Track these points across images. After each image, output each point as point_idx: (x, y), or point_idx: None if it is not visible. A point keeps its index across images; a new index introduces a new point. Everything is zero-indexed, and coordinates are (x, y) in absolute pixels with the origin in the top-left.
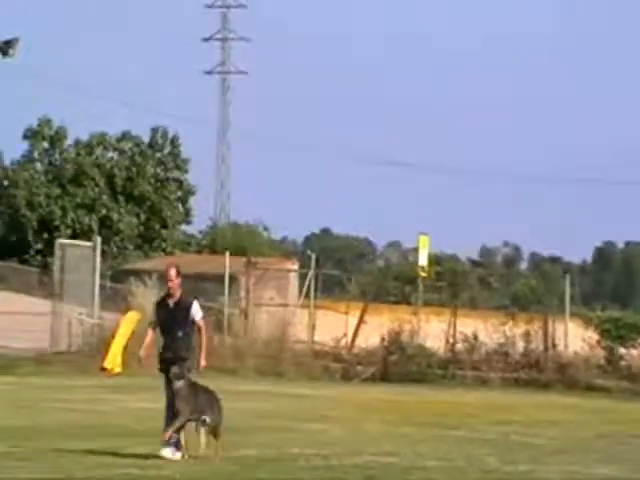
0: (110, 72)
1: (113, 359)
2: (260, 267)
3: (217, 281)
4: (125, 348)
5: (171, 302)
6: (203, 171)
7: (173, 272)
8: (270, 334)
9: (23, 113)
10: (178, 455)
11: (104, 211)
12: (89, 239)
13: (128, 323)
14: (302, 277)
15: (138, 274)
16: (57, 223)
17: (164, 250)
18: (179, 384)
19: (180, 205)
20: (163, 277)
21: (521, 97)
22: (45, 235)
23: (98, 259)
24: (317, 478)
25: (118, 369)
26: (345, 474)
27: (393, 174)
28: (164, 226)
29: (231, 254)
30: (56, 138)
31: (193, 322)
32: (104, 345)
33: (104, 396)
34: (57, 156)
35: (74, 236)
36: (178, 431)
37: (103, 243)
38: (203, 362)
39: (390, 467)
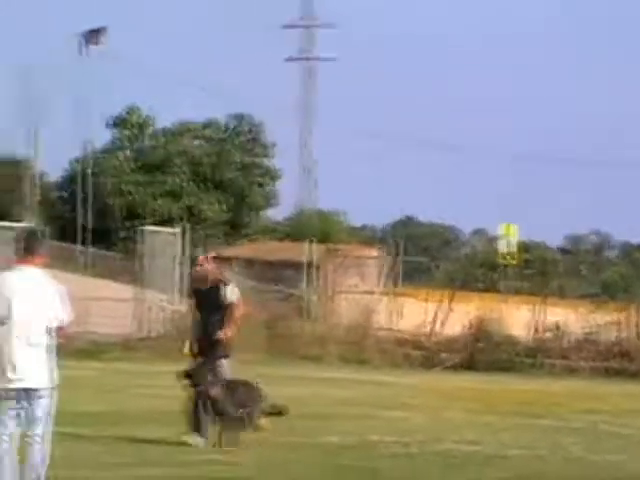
0: (195, 60)
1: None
2: (341, 254)
3: (299, 268)
4: None
5: (205, 287)
6: (288, 157)
7: (204, 256)
8: (353, 321)
9: (111, 101)
10: (200, 441)
11: (190, 198)
12: (174, 226)
13: None
14: (385, 264)
15: (223, 261)
16: (143, 211)
17: (248, 236)
18: (214, 391)
19: (265, 191)
20: (246, 264)
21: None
22: (131, 222)
23: (180, 246)
24: (398, 466)
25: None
26: (426, 462)
27: (478, 161)
28: (251, 212)
29: (313, 241)
30: (143, 126)
31: (228, 306)
32: (186, 331)
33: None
34: (143, 144)
35: (160, 223)
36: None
37: (189, 230)
38: (222, 333)
39: (472, 455)
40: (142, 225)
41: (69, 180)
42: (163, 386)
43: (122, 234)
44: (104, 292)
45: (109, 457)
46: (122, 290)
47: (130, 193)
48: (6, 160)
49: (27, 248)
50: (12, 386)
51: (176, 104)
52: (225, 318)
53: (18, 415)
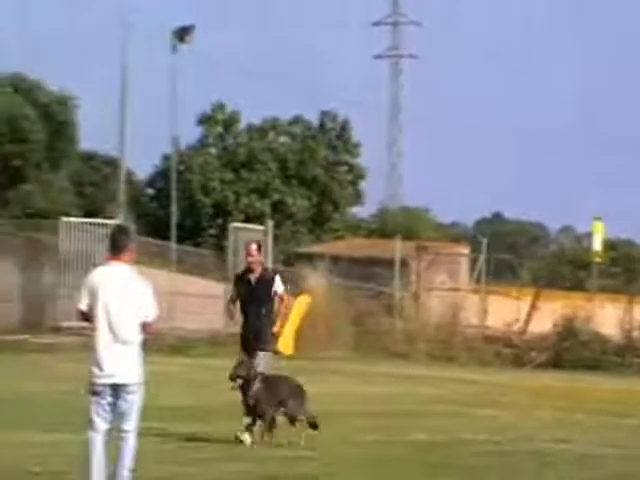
0: (281, 57)
1: (285, 342)
2: (431, 251)
3: (387, 265)
4: (297, 331)
5: (252, 278)
6: (374, 155)
7: (254, 247)
8: (441, 318)
9: (198, 98)
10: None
11: (277, 195)
12: (262, 223)
13: (299, 307)
14: (473, 261)
15: (309, 257)
16: (230, 207)
17: (336, 232)
18: (254, 388)
19: (351, 188)
20: (333, 261)
21: None
22: (219, 219)
23: (269, 243)
24: (490, 464)
25: (290, 352)
26: (519, 460)
27: (565, 156)
28: (335, 209)
29: (401, 238)
30: (229, 123)
31: (274, 296)
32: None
33: None
34: (230, 141)
35: (247, 220)
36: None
37: (276, 227)
38: (275, 328)
39: (564, 454)
40: (230, 222)
41: (158, 177)
42: None
43: (211, 231)
44: (193, 289)
45: (197, 452)
46: (211, 286)
47: (217, 190)
48: (98, 157)
49: (117, 245)
50: (102, 381)
51: (263, 101)
52: (272, 311)
53: (108, 410)
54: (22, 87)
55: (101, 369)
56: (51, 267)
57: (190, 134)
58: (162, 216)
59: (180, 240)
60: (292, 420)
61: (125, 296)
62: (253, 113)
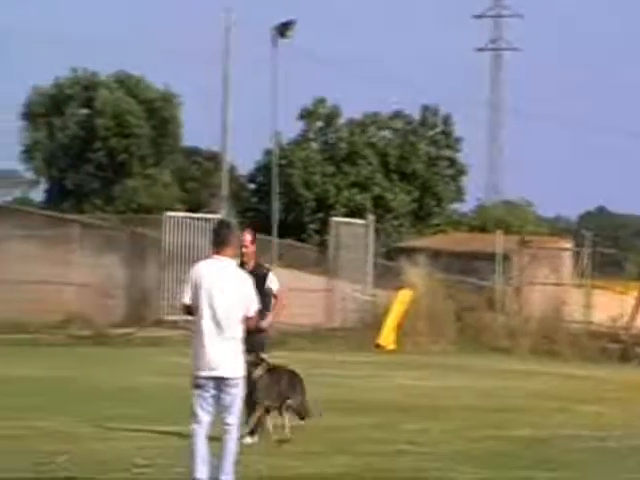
0: (381, 51)
1: (387, 336)
2: (533, 245)
3: (488, 260)
4: (398, 326)
5: (245, 271)
6: (474, 149)
7: (248, 236)
8: (544, 313)
9: (299, 93)
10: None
11: (378, 189)
12: (363, 217)
13: (401, 301)
14: (576, 256)
15: (410, 252)
16: (332, 202)
17: (437, 227)
18: (257, 373)
19: (452, 183)
20: (434, 255)
21: None
22: (320, 214)
23: (371, 237)
24: (594, 460)
25: (392, 346)
26: (623, 457)
27: None
28: (437, 204)
29: (502, 232)
30: (330, 117)
31: (269, 294)
32: (377, 322)
33: (377, 372)
34: (331, 136)
35: (349, 214)
36: (258, 418)
37: (377, 221)
38: (265, 322)
39: None
40: (332, 216)
41: (260, 172)
42: (352, 376)
43: (312, 225)
44: (295, 283)
45: (300, 446)
46: (313, 281)
47: (319, 184)
48: (200, 153)
49: (220, 239)
50: (205, 374)
51: (364, 96)
52: (265, 309)
53: (211, 403)
54: (127, 83)
55: (204, 362)
56: (155, 261)
57: (291, 129)
58: (264, 211)
59: (282, 235)
60: (302, 417)
61: (228, 290)
62: (354, 108)
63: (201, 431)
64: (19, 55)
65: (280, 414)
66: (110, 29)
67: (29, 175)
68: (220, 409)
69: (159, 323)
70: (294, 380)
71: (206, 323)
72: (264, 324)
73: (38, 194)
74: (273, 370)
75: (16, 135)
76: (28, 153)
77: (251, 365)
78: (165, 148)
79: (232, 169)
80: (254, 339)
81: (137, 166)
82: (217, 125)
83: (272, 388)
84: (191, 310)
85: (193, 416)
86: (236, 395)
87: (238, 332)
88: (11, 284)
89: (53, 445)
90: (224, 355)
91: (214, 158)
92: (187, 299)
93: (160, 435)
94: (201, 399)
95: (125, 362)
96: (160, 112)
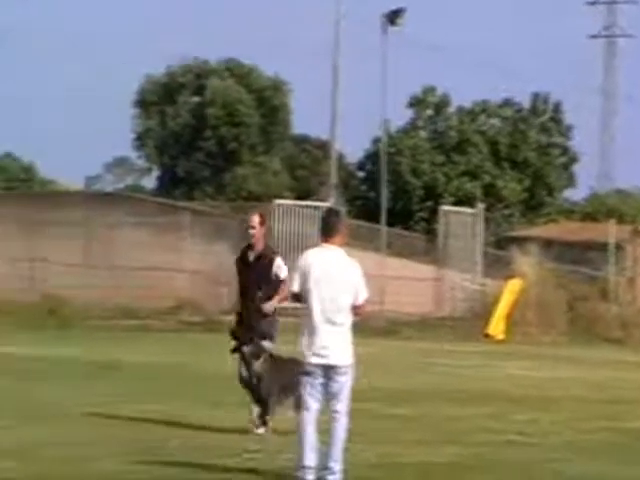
0: (491, 38)
1: (496, 326)
2: None
3: (601, 250)
4: (508, 315)
5: (252, 255)
6: (586, 137)
7: (256, 218)
8: None
9: (408, 81)
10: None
11: (488, 178)
12: (472, 206)
13: (511, 291)
14: None
15: (521, 241)
16: (441, 190)
17: (548, 215)
18: (258, 365)
19: (564, 172)
20: (545, 245)
21: None
22: (429, 202)
23: (481, 226)
24: None
25: (501, 336)
26: None
27: None
28: (548, 194)
29: (615, 222)
30: (440, 106)
31: (276, 281)
32: (486, 312)
33: (486, 362)
34: (441, 124)
35: (458, 203)
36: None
37: (487, 210)
38: (268, 305)
39: None
40: (441, 205)
41: (368, 160)
42: (461, 365)
43: (421, 214)
44: (403, 271)
45: (407, 434)
46: (421, 270)
47: (428, 173)
48: (309, 141)
49: (329, 228)
50: (314, 362)
51: (473, 84)
52: (272, 296)
53: (319, 390)
54: (237, 72)
55: (313, 350)
56: None
57: (400, 117)
58: (372, 199)
59: (390, 223)
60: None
61: (336, 278)
62: (463, 96)
63: (310, 418)
64: (132, 43)
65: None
66: (222, 18)
67: (141, 163)
68: (328, 396)
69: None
70: (298, 370)
71: (315, 311)
72: (267, 308)
73: (150, 181)
74: (275, 360)
75: (129, 123)
76: (140, 141)
77: (252, 356)
78: (275, 136)
79: (341, 157)
80: (260, 325)
81: (247, 154)
82: (326, 113)
83: (276, 379)
84: (300, 298)
85: (302, 403)
86: (345, 383)
87: (347, 320)
88: (123, 270)
89: (165, 430)
90: (333, 343)
91: (323, 146)
92: (296, 287)
93: (271, 420)
94: (310, 386)
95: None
96: (270, 100)
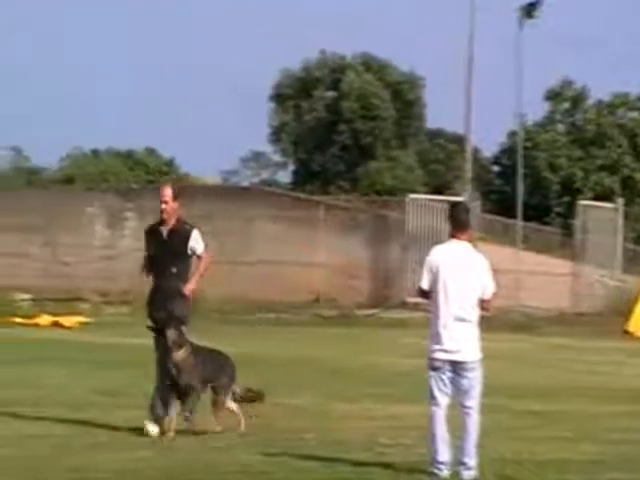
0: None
1: (636, 323)
2: None
3: None
4: None
5: (164, 230)
6: None
7: (168, 192)
8: None
9: (544, 74)
10: (155, 430)
11: (626, 171)
12: (610, 201)
13: None
14: None
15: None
16: (578, 185)
17: None
18: (181, 354)
19: None
20: None
21: None
22: (566, 197)
23: (621, 221)
24: None
25: None
26: None
27: None
28: None
29: None
30: (577, 99)
31: (192, 256)
32: (626, 308)
33: (626, 359)
34: (578, 117)
35: (596, 198)
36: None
37: (626, 204)
38: (189, 285)
39: None
40: (578, 200)
41: (504, 154)
42: (600, 362)
43: (557, 209)
44: (539, 266)
45: (542, 430)
46: (558, 265)
47: (565, 167)
48: (444, 135)
49: (459, 223)
50: (442, 357)
51: (611, 77)
52: (186, 272)
53: (448, 385)
54: (372, 66)
55: (441, 345)
56: (398, 244)
57: (536, 111)
58: (508, 193)
59: (526, 218)
60: (216, 402)
61: (464, 274)
62: (601, 89)
63: (440, 413)
64: (269, 37)
65: (215, 405)
66: (357, 12)
67: (277, 157)
68: (458, 392)
69: (403, 304)
70: (221, 362)
71: (443, 307)
72: (187, 289)
73: (285, 175)
74: (198, 350)
75: (265, 117)
76: (276, 135)
77: (174, 345)
78: (409, 130)
79: (476, 151)
80: (175, 308)
81: (381, 148)
82: (461, 107)
83: (199, 371)
84: (427, 294)
85: (431, 398)
86: (474, 378)
87: (475, 315)
88: (259, 264)
89: (301, 422)
90: (461, 339)
91: (458, 140)
92: (425, 284)
93: (403, 415)
94: (438, 381)
95: (369, 342)
96: (405, 94)
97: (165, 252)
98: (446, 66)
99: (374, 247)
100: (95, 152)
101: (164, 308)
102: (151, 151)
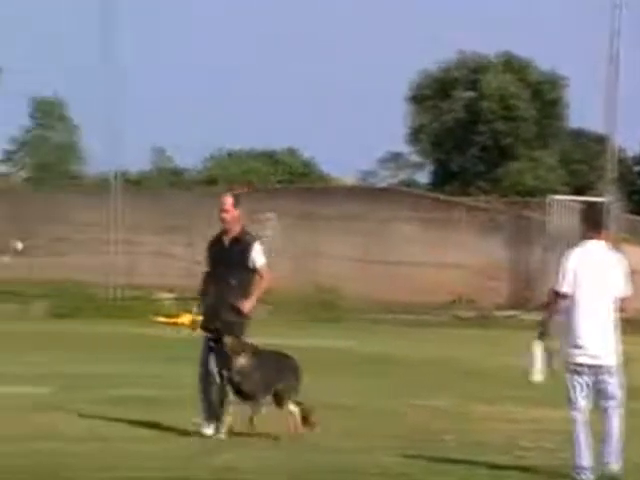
0: None
1: None
2: None
3: None
4: None
5: (226, 240)
6: None
7: (229, 200)
8: None
9: None
10: (210, 431)
11: None
12: None
13: None
14: None
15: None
16: None
17: None
18: (241, 361)
19: None
20: None
21: None
22: None
23: None
24: None
25: None
26: None
27: None
28: None
29: None
30: None
31: (253, 269)
32: None
33: None
34: None
35: None
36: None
37: None
38: (247, 303)
39: None
40: None
41: None
42: None
43: None
44: None
45: None
46: None
47: None
48: (586, 135)
49: (595, 223)
50: (581, 361)
51: None
52: (247, 285)
53: (587, 389)
54: (513, 66)
55: (579, 349)
56: (539, 245)
57: None
58: None
59: None
60: (280, 403)
61: (602, 275)
62: None
63: (580, 417)
64: (407, 38)
65: (278, 405)
66: (498, 11)
67: (414, 158)
68: (598, 396)
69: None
70: (285, 364)
71: (580, 309)
72: (244, 306)
73: (423, 176)
74: (259, 355)
75: (403, 118)
76: (414, 136)
77: (233, 352)
78: (550, 130)
79: (620, 151)
80: (229, 317)
81: (522, 149)
82: (603, 106)
83: (260, 377)
84: (560, 297)
85: (570, 403)
86: (614, 382)
87: (613, 317)
88: (398, 265)
89: (441, 424)
90: (600, 342)
91: (601, 140)
92: (565, 287)
93: (544, 419)
94: (577, 385)
95: (509, 345)
96: (546, 94)
97: (225, 262)
98: (589, 65)
99: (514, 248)
100: (236, 153)
101: (219, 318)
102: (292, 151)
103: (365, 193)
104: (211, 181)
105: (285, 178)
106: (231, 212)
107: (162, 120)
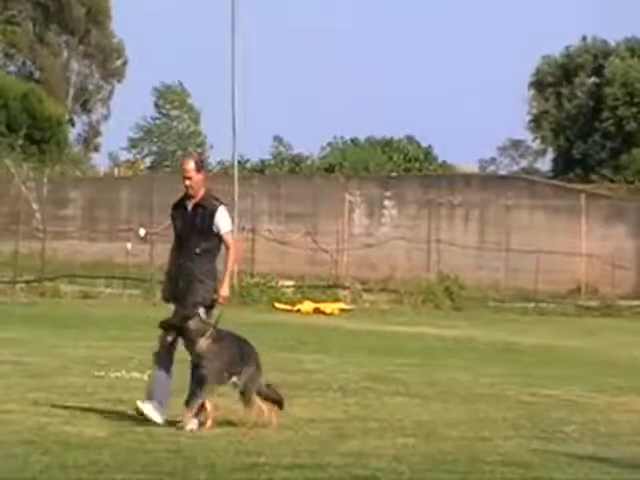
0: None
1: None
2: None
3: None
4: None
5: (189, 204)
6: None
7: (189, 166)
8: None
9: None
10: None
11: None
12: None
13: None
14: None
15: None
16: None
17: None
18: (202, 343)
19: None
20: None
21: None
22: None
23: None
24: None
25: None
26: None
27: None
28: None
29: None
30: None
31: (217, 236)
32: None
33: None
34: None
35: None
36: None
37: None
38: (222, 291)
39: None
40: None
41: None
42: None
43: None
44: None
45: None
46: None
47: None
48: None
49: None
50: None
51: None
52: (212, 253)
53: None
54: (637, 51)
55: None
56: None
57: None
58: None
59: None
60: (245, 396)
61: None
62: None
63: None
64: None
65: (244, 401)
66: None
67: (536, 145)
68: None
69: None
70: (246, 351)
71: None
72: (221, 298)
73: (544, 164)
74: (220, 337)
75: (525, 105)
76: (536, 123)
77: (196, 334)
78: None
79: None
80: (194, 294)
81: None
82: None
83: (220, 360)
84: None
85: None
86: None
87: None
88: (519, 253)
89: (562, 413)
90: None
91: None
92: None
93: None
94: None
95: (633, 334)
96: None
97: (189, 229)
98: None
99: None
100: (355, 140)
101: (184, 298)
102: (411, 139)
103: (486, 181)
104: (329, 169)
105: (404, 166)
106: (193, 177)
107: (282, 109)
